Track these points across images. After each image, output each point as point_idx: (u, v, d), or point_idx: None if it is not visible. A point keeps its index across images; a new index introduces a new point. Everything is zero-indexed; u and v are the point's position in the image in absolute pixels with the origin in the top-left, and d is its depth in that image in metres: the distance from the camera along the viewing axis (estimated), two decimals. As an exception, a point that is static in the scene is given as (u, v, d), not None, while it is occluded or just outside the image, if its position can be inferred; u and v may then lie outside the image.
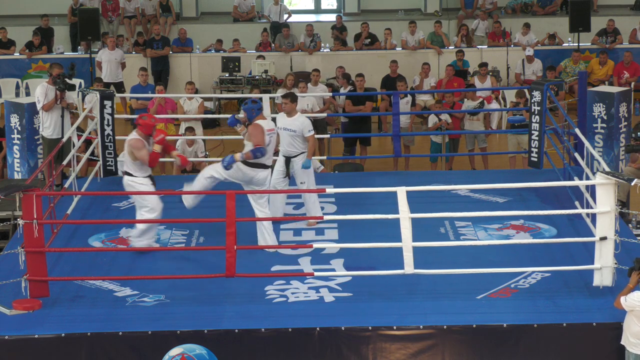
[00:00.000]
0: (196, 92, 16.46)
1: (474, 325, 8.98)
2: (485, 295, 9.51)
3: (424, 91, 18.18)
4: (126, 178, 10.77)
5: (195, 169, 14.80)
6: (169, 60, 20.55)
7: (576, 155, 11.92)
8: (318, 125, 16.12)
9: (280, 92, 16.40)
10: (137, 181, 10.74)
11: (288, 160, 11.44)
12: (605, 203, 9.41)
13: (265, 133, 10.67)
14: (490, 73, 19.11)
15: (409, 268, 9.43)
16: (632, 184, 9.36)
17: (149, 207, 10.64)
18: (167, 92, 19.12)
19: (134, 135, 10.70)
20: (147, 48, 20.44)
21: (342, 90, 16.81)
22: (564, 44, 20.97)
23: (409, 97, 16.25)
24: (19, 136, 13.67)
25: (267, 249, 10.60)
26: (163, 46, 20.42)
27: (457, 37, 21.32)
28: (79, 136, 13.28)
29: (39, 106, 13.27)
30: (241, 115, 11.09)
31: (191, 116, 15.33)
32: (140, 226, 10.66)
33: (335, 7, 24.68)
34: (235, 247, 9.38)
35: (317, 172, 14.02)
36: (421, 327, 9.00)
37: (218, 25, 22.68)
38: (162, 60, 20.48)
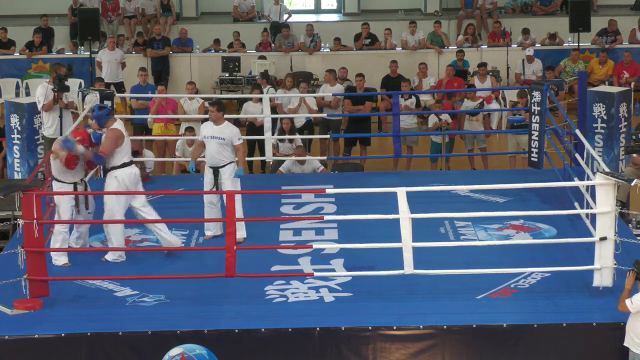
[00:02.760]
0: (197, 92, 16.44)
1: (474, 325, 8.98)
2: (485, 295, 9.51)
3: (424, 91, 18.17)
4: (53, 183, 10.43)
5: (196, 168, 14.79)
6: (169, 61, 20.54)
7: (576, 155, 11.92)
8: (332, 126, 16.13)
9: (280, 92, 16.42)
10: (58, 187, 10.39)
11: (216, 170, 11.10)
12: (605, 203, 9.41)
13: (123, 136, 10.49)
14: (490, 73, 19.11)
15: (408, 268, 9.43)
16: (632, 184, 9.36)
17: (60, 211, 10.33)
18: (167, 92, 19.15)
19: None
20: (147, 48, 20.44)
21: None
22: (564, 44, 20.97)
23: (413, 98, 16.21)
24: (19, 136, 13.67)
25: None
26: (163, 46, 20.42)
27: (461, 36, 21.28)
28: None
29: (39, 106, 13.29)
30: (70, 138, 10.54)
31: (191, 116, 15.32)
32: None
33: (335, 7, 24.69)
34: (235, 247, 9.38)
35: (317, 172, 14.06)
36: (421, 327, 9.00)
37: (218, 25, 22.67)
38: (163, 61, 20.46)
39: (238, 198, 10.64)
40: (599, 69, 19.67)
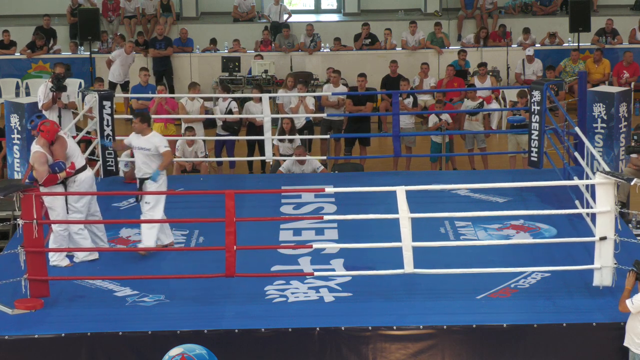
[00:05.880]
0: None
1: (474, 325, 8.98)
2: (485, 295, 9.51)
3: (424, 91, 18.18)
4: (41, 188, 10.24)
5: (196, 169, 14.82)
6: (171, 61, 20.49)
7: (576, 155, 11.92)
8: (334, 126, 16.13)
9: (281, 92, 16.41)
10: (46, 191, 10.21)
11: (142, 181, 10.92)
12: (605, 203, 9.41)
13: (66, 145, 10.35)
14: (490, 73, 19.11)
15: (408, 267, 9.43)
16: (632, 183, 9.36)
17: (54, 213, 10.25)
18: (174, 92, 19.17)
19: (38, 147, 10.21)
20: (149, 48, 20.41)
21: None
22: (564, 44, 20.97)
23: (410, 98, 16.22)
24: (19, 136, 13.66)
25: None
26: (166, 46, 20.38)
27: (471, 35, 21.27)
28: (83, 136, 13.35)
29: (39, 104, 13.31)
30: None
31: (191, 116, 15.31)
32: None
33: (335, 7, 24.68)
34: (234, 247, 9.38)
35: (317, 172, 14.06)
36: (421, 327, 9.00)
37: (218, 25, 22.67)
38: (165, 61, 20.41)
39: (161, 199, 10.72)
40: (594, 68, 19.62)
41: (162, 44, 20.38)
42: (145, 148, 10.95)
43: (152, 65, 20.19)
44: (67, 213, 10.42)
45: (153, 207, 10.70)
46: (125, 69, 19.41)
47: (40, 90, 13.39)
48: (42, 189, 10.11)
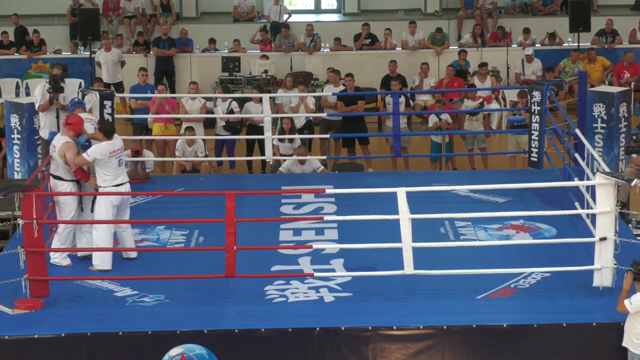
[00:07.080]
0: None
1: (474, 325, 8.98)
2: (485, 295, 9.52)
3: (424, 91, 18.18)
4: (53, 181, 10.29)
5: (196, 169, 14.82)
6: (174, 62, 20.46)
7: (576, 155, 11.93)
8: (333, 126, 16.11)
9: (281, 92, 16.39)
10: (63, 186, 10.29)
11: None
12: (605, 203, 9.41)
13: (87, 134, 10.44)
14: (490, 73, 19.11)
15: (408, 268, 9.43)
16: (632, 184, 9.36)
17: (66, 210, 10.26)
18: (174, 93, 19.12)
19: (66, 138, 10.23)
20: (154, 47, 20.38)
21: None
22: (564, 44, 20.97)
23: (403, 98, 16.20)
24: (19, 136, 13.67)
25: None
26: (170, 46, 20.35)
27: (468, 35, 21.27)
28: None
29: (36, 105, 13.30)
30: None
31: (191, 116, 15.30)
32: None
33: (335, 7, 24.69)
34: (235, 247, 9.37)
35: (317, 172, 14.05)
36: (421, 327, 9.01)
37: (218, 25, 22.67)
38: (167, 61, 20.37)
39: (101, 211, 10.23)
40: (591, 68, 19.56)
41: (166, 44, 20.33)
42: None
43: (154, 64, 20.17)
44: (82, 211, 10.42)
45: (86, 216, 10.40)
46: (111, 68, 19.29)
47: (37, 92, 13.34)
48: (53, 185, 10.10)
